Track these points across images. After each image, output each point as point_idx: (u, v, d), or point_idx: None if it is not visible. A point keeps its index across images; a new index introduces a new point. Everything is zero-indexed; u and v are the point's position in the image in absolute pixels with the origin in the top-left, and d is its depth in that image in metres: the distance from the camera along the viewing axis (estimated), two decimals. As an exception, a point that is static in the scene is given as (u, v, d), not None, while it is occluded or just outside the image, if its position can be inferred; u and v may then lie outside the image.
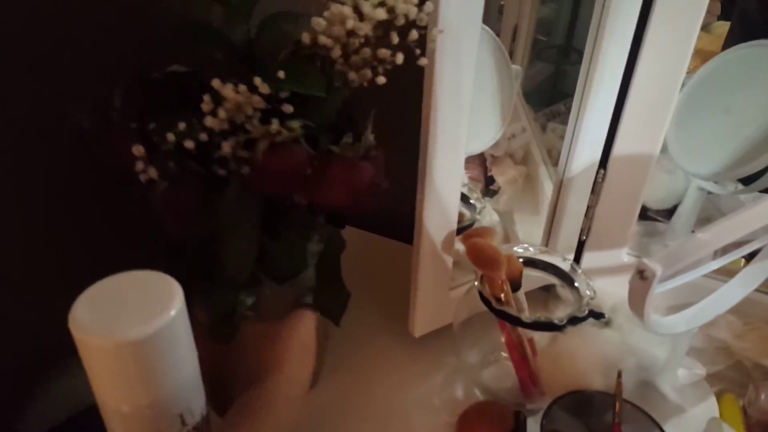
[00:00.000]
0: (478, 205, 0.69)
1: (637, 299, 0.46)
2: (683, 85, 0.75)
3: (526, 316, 0.51)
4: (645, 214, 0.84)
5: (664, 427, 0.51)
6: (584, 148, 0.62)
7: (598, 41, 0.57)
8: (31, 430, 0.47)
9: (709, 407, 0.59)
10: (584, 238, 0.69)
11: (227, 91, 0.37)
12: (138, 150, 0.36)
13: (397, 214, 0.62)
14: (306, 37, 0.40)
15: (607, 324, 0.54)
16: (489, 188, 0.89)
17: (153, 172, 0.37)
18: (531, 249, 0.62)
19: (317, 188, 0.41)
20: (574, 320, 0.52)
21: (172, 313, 0.33)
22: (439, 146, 0.51)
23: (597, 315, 0.53)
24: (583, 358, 0.50)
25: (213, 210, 0.40)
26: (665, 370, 0.55)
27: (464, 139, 0.53)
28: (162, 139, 0.36)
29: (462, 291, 0.62)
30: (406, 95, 0.49)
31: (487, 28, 0.68)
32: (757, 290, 0.64)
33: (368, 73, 0.41)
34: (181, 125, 0.36)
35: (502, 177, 0.89)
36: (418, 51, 0.41)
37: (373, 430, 0.58)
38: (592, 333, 0.52)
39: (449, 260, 0.60)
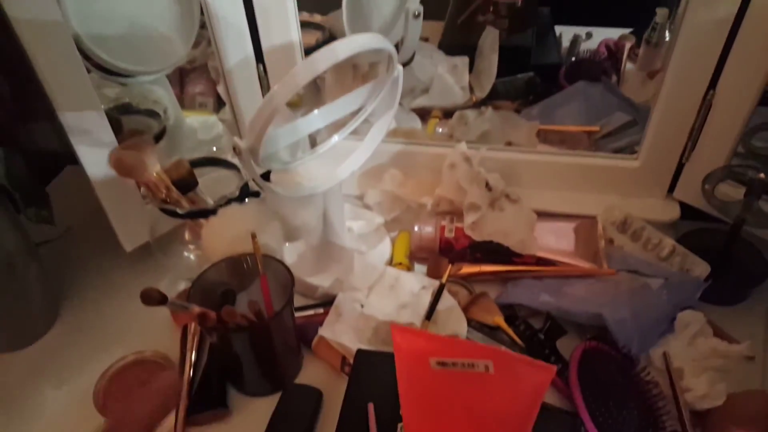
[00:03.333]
0: (164, 116, 0.74)
1: (249, 171, 0.53)
2: None
3: (185, 207, 0.58)
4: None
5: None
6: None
7: None
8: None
9: (385, 246, 0.71)
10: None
11: None
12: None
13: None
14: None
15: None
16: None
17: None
18: (214, 150, 0.68)
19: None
20: (227, 202, 0.60)
21: None
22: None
23: (251, 193, 0.61)
24: (232, 229, 0.57)
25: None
26: (333, 226, 0.64)
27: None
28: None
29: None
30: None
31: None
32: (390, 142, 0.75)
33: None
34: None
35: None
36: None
37: (115, 342, 0.64)
38: (243, 209, 0.60)
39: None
